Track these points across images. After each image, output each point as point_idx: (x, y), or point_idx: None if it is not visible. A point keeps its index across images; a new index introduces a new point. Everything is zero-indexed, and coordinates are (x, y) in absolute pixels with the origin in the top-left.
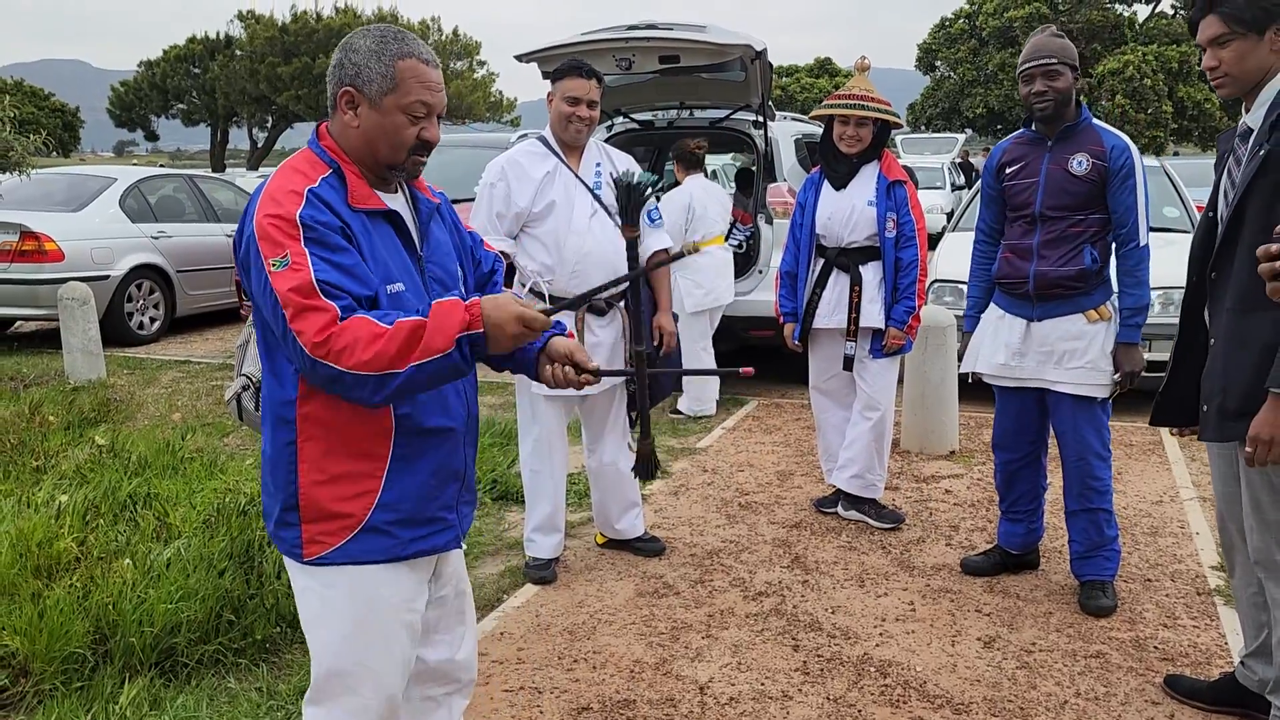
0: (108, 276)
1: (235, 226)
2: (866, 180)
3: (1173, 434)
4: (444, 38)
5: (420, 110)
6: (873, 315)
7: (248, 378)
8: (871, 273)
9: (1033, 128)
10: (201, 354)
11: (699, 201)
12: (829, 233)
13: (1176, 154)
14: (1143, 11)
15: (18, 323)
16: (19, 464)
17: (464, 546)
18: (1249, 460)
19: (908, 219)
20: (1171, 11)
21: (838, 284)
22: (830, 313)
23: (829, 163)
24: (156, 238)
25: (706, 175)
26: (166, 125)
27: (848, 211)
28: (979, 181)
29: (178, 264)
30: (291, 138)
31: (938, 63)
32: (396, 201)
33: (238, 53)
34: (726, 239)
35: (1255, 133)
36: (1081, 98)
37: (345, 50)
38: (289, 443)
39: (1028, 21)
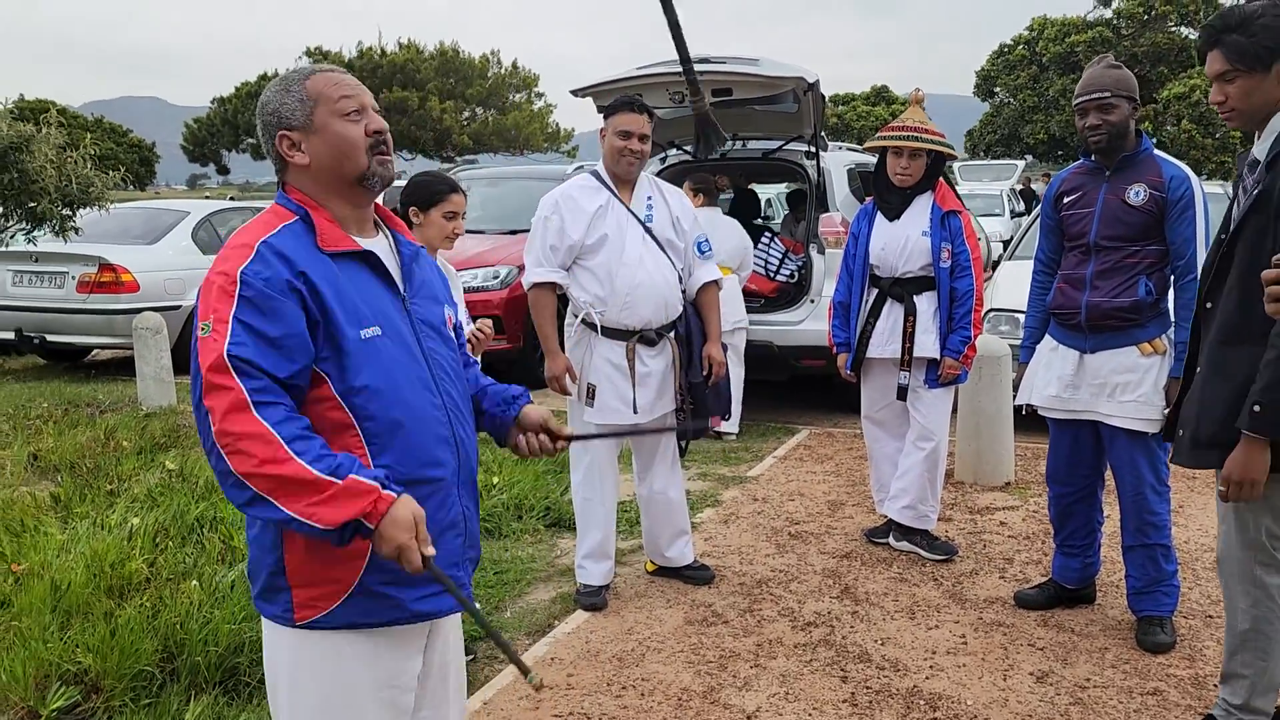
0: (180, 306)
1: None
2: (920, 211)
3: None
4: (503, 70)
5: (352, 105)
6: (927, 345)
7: None
8: (926, 303)
9: (1092, 158)
10: None
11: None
12: (883, 263)
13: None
14: None
15: (94, 351)
16: (94, 487)
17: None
18: (1223, 497)
19: (963, 249)
20: None
21: (892, 314)
22: (884, 342)
23: (882, 194)
24: None
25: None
26: (236, 159)
27: (902, 242)
28: (1038, 209)
29: None
30: None
31: (996, 89)
32: (377, 244)
33: None
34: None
35: (1260, 165)
36: (1143, 126)
37: (259, 110)
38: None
39: (1090, 46)
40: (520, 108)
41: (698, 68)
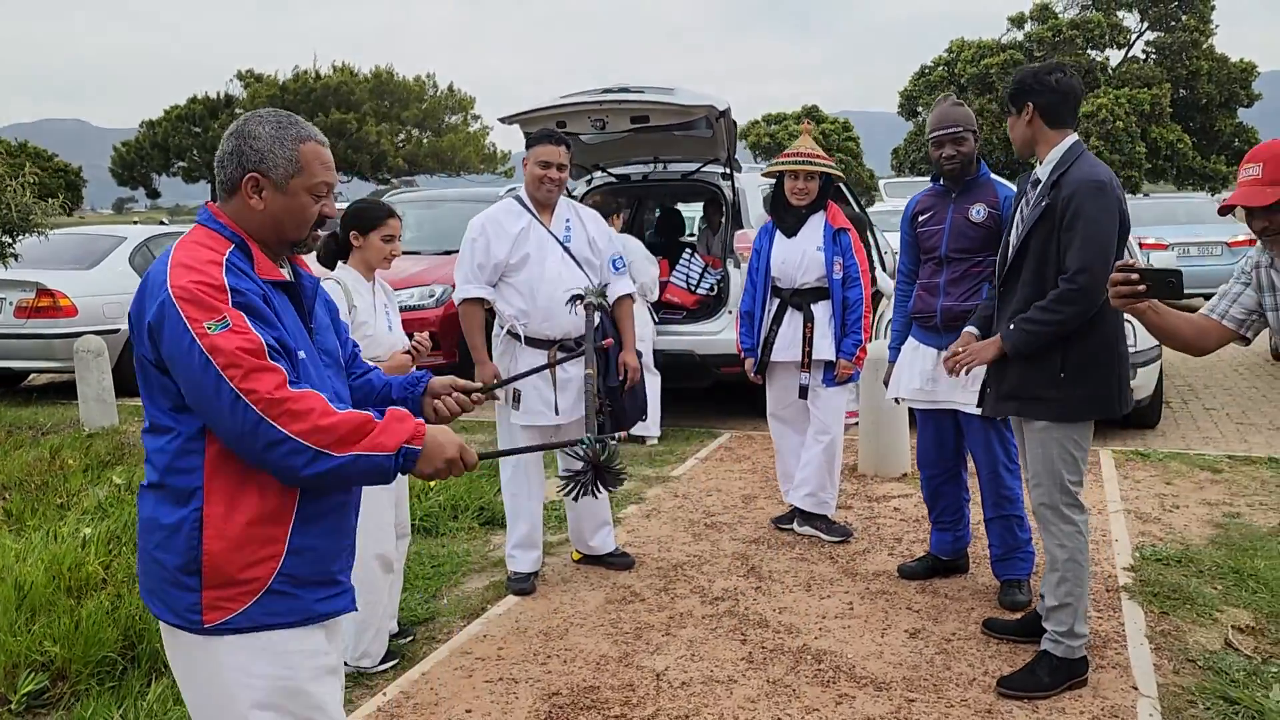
0: (118, 330)
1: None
2: (814, 229)
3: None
4: (439, 93)
5: (323, 190)
6: (824, 349)
7: None
8: (822, 310)
9: (940, 182)
10: None
11: None
12: (783, 275)
13: (1146, 195)
14: (1115, 56)
15: (31, 375)
16: (44, 502)
17: (357, 608)
18: (946, 362)
19: (852, 262)
20: (1143, 56)
21: (792, 321)
22: (786, 347)
23: (780, 214)
24: None
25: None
26: (167, 182)
27: (799, 256)
28: None
29: None
30: None
31: (919, 108)
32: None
33: (238, 111)
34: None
35: (1042, 184)
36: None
37: (243, 138)
38: (193, 509)
39: (1004, 68)
40: (456, 130)
41: (617, 96)
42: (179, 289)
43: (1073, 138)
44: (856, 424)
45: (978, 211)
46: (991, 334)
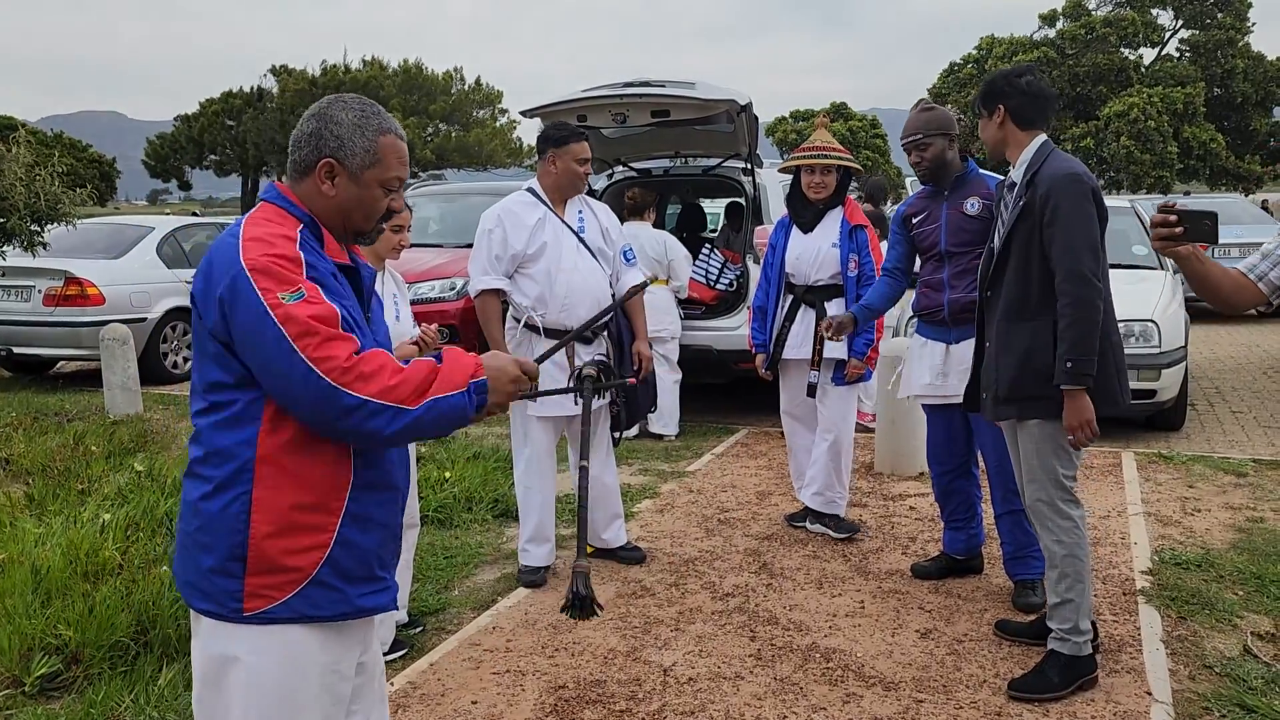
0: (145, 319)
1: None
2: (831, 224)
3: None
4: (466, 88)
5: (395, 184)
6: (835, 347)
7: None
8: (835, 308)
9: (929, 184)
10: None
11: None
12: (797, 272)
13: (1188, 193)
14: (1148, 55)
15: (60, 363)
16: (65, 488)
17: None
18: (1074, 445)
19: (868, 260)
20: (1176, 54)
21: (805, 318)
22: (798, 344)
23: (796, 209)
24: (190, 282)
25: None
26: (199, 175)
27: (814, 253)
28: None
29: None
30: None
31: (948, 105)
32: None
33: (270, 106)
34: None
35: (1018, 185)
36: (1084, 143)
37: (324, 121)
38: (241, 492)
39: (1036, 65)
40: (483, 124)
41: (638, 90)
42: (253, 261)
43: (1042, 138)
44: (874, 424)
45: (972, 205)
46: (987, 338)
